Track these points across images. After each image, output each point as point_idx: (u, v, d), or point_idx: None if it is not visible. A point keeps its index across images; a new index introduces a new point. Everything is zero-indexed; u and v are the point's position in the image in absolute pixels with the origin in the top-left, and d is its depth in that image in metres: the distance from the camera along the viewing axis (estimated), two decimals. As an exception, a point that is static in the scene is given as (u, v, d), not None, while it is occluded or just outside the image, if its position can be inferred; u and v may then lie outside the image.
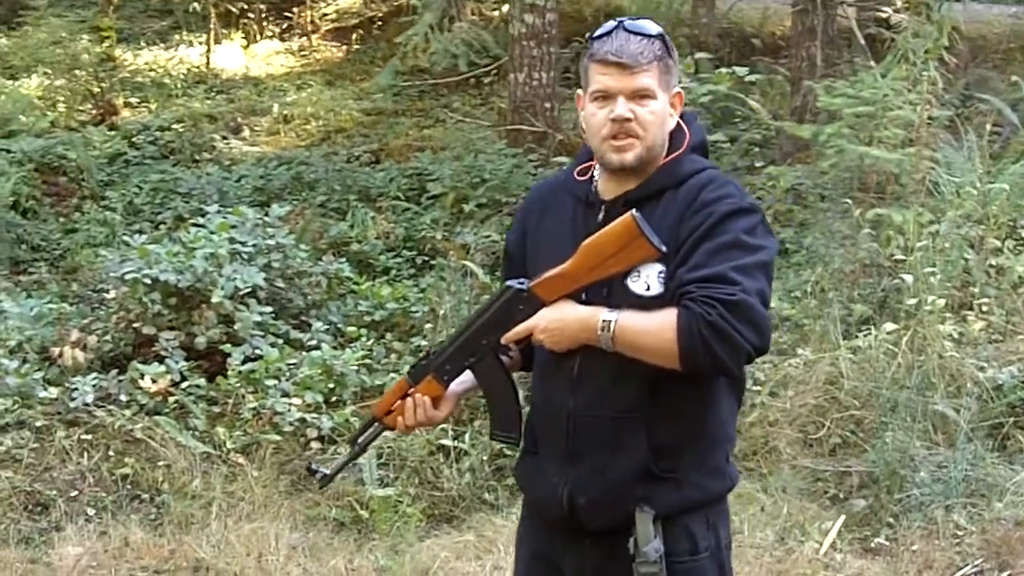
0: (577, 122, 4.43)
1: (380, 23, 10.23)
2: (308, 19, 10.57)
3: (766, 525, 4.54)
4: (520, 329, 2.22)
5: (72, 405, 5.22)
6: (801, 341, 5.11)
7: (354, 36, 10.48)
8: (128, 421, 5.20)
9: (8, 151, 7.59)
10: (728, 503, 2.41)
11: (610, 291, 2.19)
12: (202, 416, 5.33)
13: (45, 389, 5.31)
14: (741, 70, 6.89)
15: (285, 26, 10.50)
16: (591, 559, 2.31)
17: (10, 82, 9.00)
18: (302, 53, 10.08)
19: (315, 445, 5.31)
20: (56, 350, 5.58)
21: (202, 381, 5.43)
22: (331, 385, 5.49)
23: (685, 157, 2.26)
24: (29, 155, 7.54)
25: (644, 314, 2.13)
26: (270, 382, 5.39)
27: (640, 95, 2.19)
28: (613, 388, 2.24)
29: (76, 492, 4.94)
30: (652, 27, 2.23)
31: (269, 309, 5.71)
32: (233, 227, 5.84)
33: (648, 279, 2.19)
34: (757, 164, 6.94)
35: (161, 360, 5.48)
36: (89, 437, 5.14)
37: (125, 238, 5.74)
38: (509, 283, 2.23)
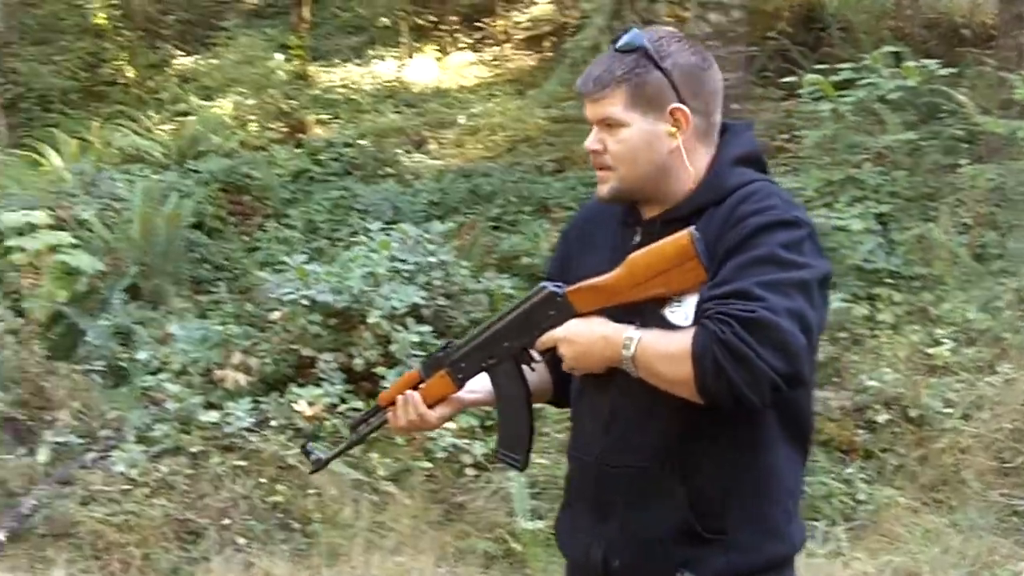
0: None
1: (574, 29, 10.32)
2: (501, 28, 10.80)
3: (952, 566, 4.27)
4: (545, 338, 2.10)
5: (227, 430, 5.55)
6: (1000, 357, 4.78)
7: (546, 43, 10.64)
8: (281, 446, 5.49)
9: (196, 171, 8.24)
10: (795, 570, 2.19)
11: (643, 321, 2.03)
12: (359, 442, 5.54)
13: (206, 413, 5.65)
14: (932, 63, 6.54)
15: (479, 37, 10.78)
16: None
17: (204, 103, 9.73)
18: (494, 63, 10.32)
19: (469, 472, 5.43)
20: (219, 373, 5.95)
21: (360, 404, 5.63)
22: (487, 408, 5.56)
23: (729, 170, 2.12)
24: (215, 175, 8.11)
25: (667, 334, 1.99)
26: (424, 407, 5.53)
27: (606, 124, 2.10)
28: (644, 430, 2.11)
29: (228, 521, 5.24)
30: (633, 40, 2.09)
31: (429, 328, 5.86)
32: (394, 244, 6.05)
33: (688, 310, 2.03)
34: (961, 162, 6.50)
35: (319, 383, 5.73)
36: (243, 463, 5.44)
37: (284, 258, 6.08)
38: (544, 284, 2.12)
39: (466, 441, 5.43)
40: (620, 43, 2.09)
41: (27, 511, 5.18)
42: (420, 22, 10.48)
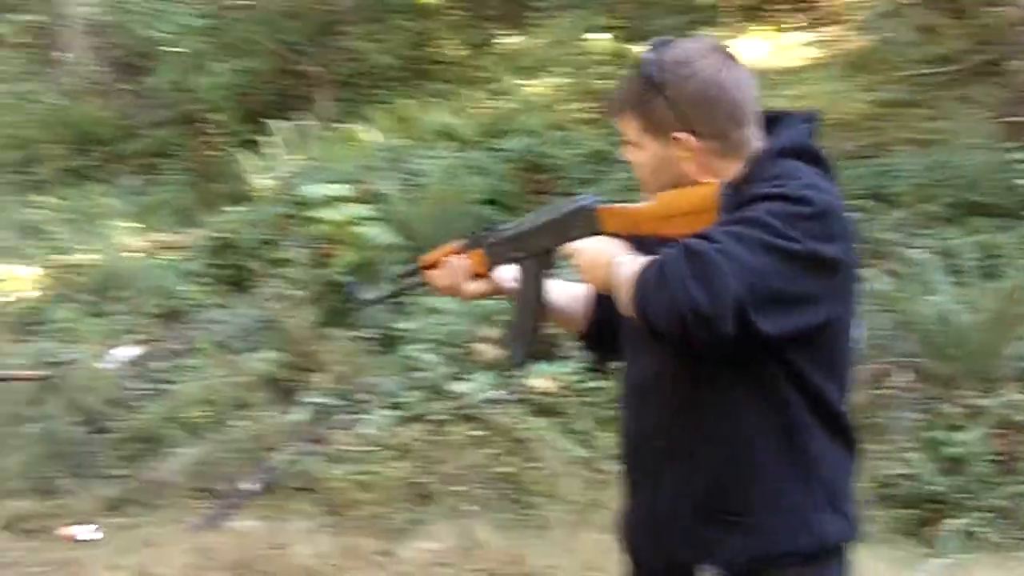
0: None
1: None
2: (839, 6, 10.31)
3: None
4: (566, 247, 2.22)
5: (468, 400, 5.98)
6: None
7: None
8: (516, 419, 5.83)
9: (500, 150, 8.68)
10: (831, 572, 2.17)
11: None
12: (590, 419, 5.77)
13: (454, 383, 6.10)
14: None
15: (816, 16, 10.36)
16: None
17: (521, 82, 10.15)
18: (828, 43, 9.88)
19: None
20: (474, 346, 6.38)
21: (603, 384, 5.84)
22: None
23: (769, 163, 2.13)
24: (516, 153, 8.52)
25: (636, 260, 2.04)
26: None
27: (626, 142, 2.21)
28: (666, 404, 2.18)
29: (459, 487, 5.66)
30: (643, 64, 2.17)
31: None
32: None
33: None
34: None
35: (565, 361, 6.00)
36: (481, 433, 5.84)
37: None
38: (581, 196, 2.24)
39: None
40: (636, 65, 2.18)
41: (279, 465, 5.87)
42: (749, 1, 10.32)
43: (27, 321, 8.18)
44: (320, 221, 7.33)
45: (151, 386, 6.71)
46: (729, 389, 2.07)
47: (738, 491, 2.09)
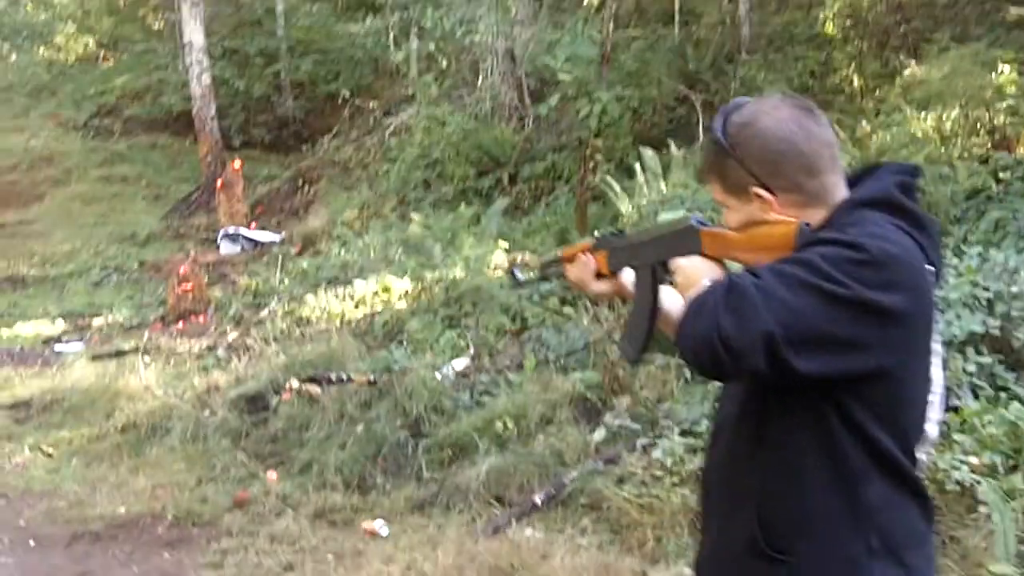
0: None
1: None
2: None
3: None
4: (672, 263, 2.41)
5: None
6: None
7: None
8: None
9: None
10: None
11: None
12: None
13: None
14: None
15: None
16: None
17: (909, 114, 9.73)
18: None
19: (982, 510, 5.27)
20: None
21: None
22: (1018, 446, 5.34)
23: (846, 213, 2.25)
24: None
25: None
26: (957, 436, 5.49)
27: (720, 204, 2.40)
28: (733, 444, 2.33)
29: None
30: (713, 129, 2.36)
31: (988, 359, 5.73)
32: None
33: None
34: None
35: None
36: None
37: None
38: (692, 216, 2.43)
39: (976, 477, 5.27)
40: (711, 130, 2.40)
41: (570, 481, 6.16)
42: None
43: (389, 330, 9.02)
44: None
45: (472, 397, 7.23)
46: (788, 433, 2.18)
47: (789, 532, 2.19)
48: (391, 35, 17.02)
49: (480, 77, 15.01)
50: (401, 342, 8.58)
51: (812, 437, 2.17)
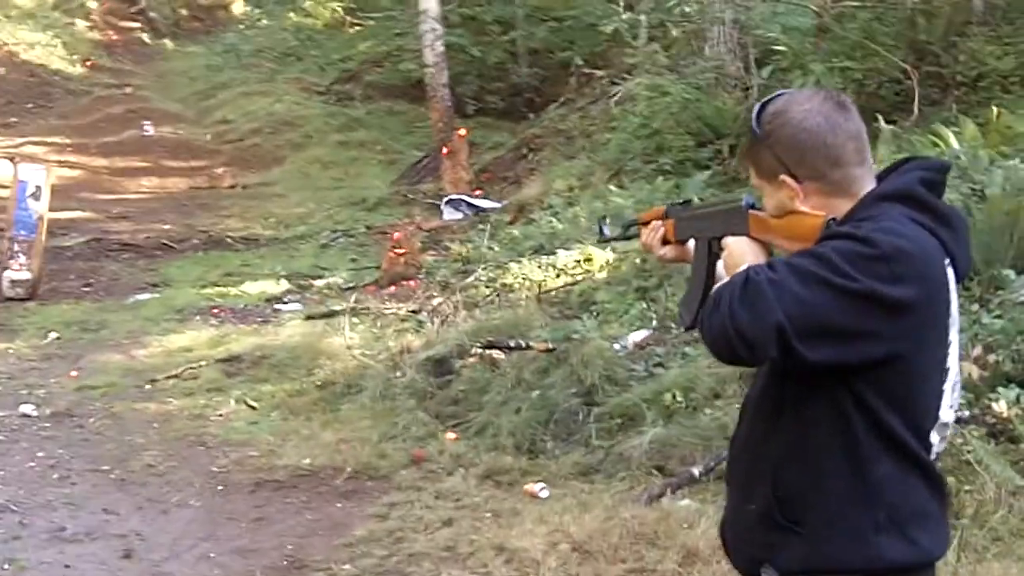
0: None
1: None
2: None
3: None
4: (723, 240, 2.65)
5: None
6: None
7: None
8: (966, 440, 5.88)
9: None
10: None
11: None
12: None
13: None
14: None
15: None
16: None
17: None
18: None
19: None
20: (962, 364, 6.43)
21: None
22: None
23: (867, 206, 2.44)
24: None
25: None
26: None
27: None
28: (754, 419, 2.57)
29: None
30: (751, 117, 2.58)
31: None
32: None
33: None
34: None
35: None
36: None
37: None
38: (745, 197, 2.65)
39: None
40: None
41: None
42: None
43: (584, 300, 9.37)
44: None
45: (645, 368, 7.50)
46: (802, 412, 2.43)
47: (802, 503, 2.43)
48: (622, 3, 17.22)
49: (706, 47, 15.11)
50: (594, 312, 8.91)
51: (825, 417, 2.39)
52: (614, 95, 16.26)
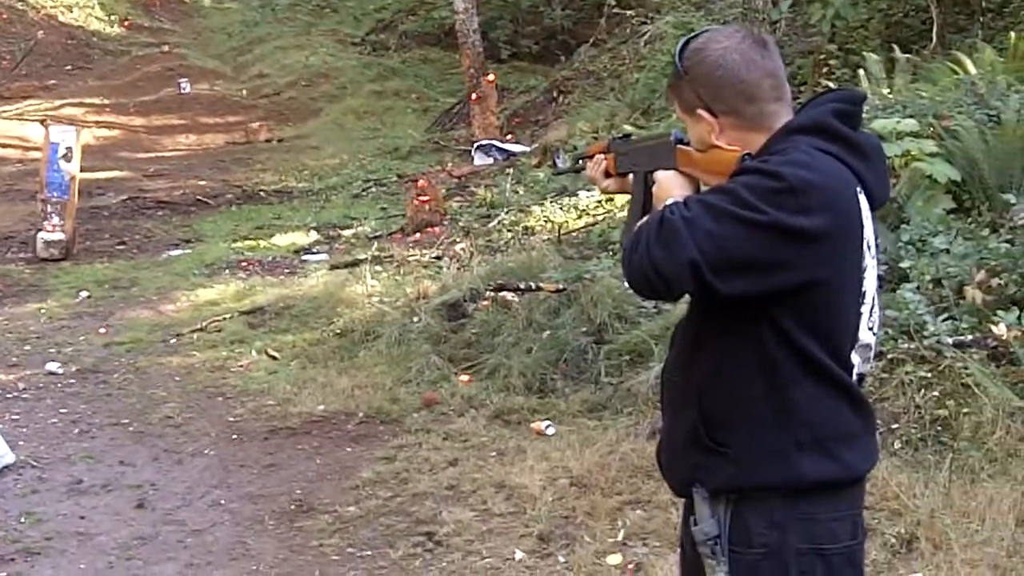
0: None
1: None
2: None
3: None
4: (655, 173, 2.73)
5: (927, 343, 6.10)
6: None
7: None
8: (967, 364, 5.88)
9: None
10: (819, 509, 2.49)
11: None
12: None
13: (934, 323, 6.22)
14: None
15: None
16: (684, 522, 2.69)
17: None
18: None
19: None
20: (967, 289, 6.42)
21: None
22: None
23: (779, 140, 2.51)
24: None
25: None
26: None
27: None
28: (680, 346, 2.65)
29: (895, 425, 5.89)
30: (676, 51, 2.65)
31: None
32: None
33: None
34: None
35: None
36: (928, 375, 5.97)
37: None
38: (674, 132, 2.74)
39: None
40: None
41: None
42: None
43: (604, 240, 9.42)
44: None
45: (654, 305, 7.53)
46: (724, 336, 2.50)
47: (726, 425, 2.50)
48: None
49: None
50: (611, 251, 8.94)
51: (743, 344, 2.47)
52: (643, 34, 16.21)
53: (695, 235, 2.31)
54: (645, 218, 2.51)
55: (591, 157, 3.07)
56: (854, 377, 2.55)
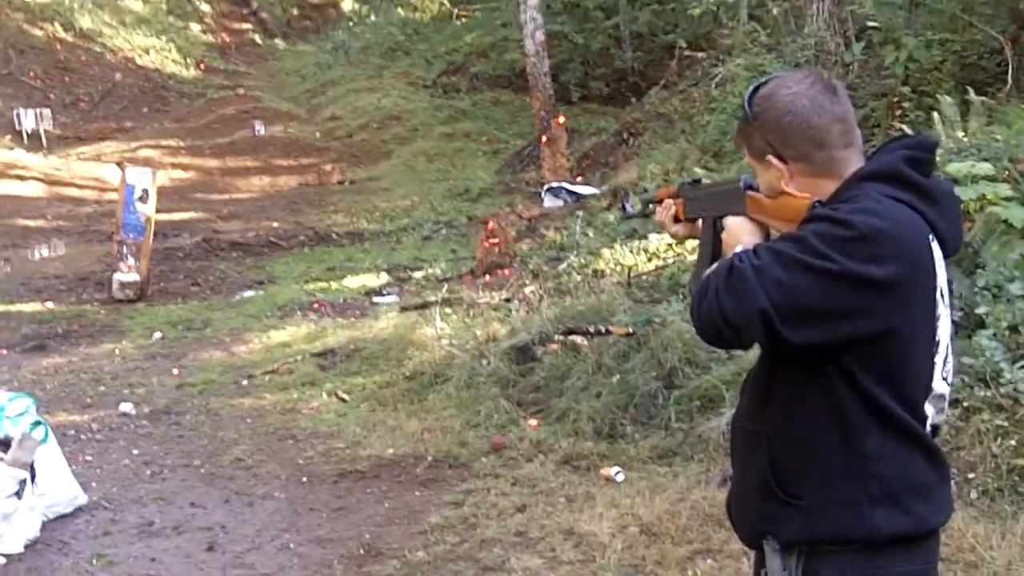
0: None
1: None
2: None
3: None
4: (724, 220, 2.75)
5: (1003, 390, 6.00)
6: None
7: None
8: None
9: None
10: (893, 562, 2.48)
11: None
12: None
13: (1011, 370, 6.12)
14: None
15: None
16: (755, 574, 2.70)
17: None
18: None
19: None
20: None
21: None
22: None
23: (851, 187, 2.50)
24: None
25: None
26: None
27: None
28: (751, 394, 2.65)
29: (972, 475, 5.80)
30: (745, 98, 2.64)
31: None
32: None
33: None
34: None
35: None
36: (1005, 424, 5.87)
37: None
38: (744, 177, 2.75)
39: None
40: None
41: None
42: None
43: (674, 284, 9.37)
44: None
45: (726, 351, 7.48)
46: (796, 386, 2.49)
47: (797, 477, 2.50)
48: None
49: (805, 24, 14.94)
50: (682, 295, 8.90)
51: (814, 393, 2.45)
52: (714, 77, 16.18)
53: (765, 283, 2.31)
54: (713, 266, 2.51)
55: (660, 202, 3.07)
56: (928, 428, 2.52)
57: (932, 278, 2.47)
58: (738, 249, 2.51)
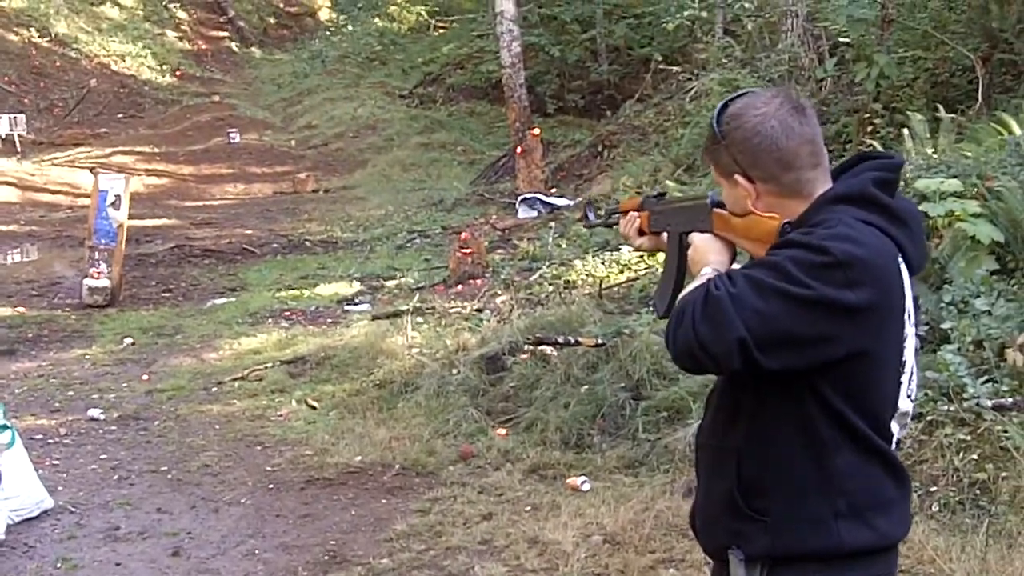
0: None
1: None
2: None
3: None
4: (690, 236, 2.75)
5: (967, 404, 6.06)
6: None
7: None
8: (1008, 428, 5.84)
9: None
10: (854, 574, 2.51)
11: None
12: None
13: (974, 385, 6.18)
14: None
15: None
16: None
17: None
18: None
19: None
20: (1008, 352, 6.38)
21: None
22: None
23: (819, 209, 2.51)
24: None
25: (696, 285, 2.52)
26: None
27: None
28: (716, 411, 2.66)
29: (933, 488, 5.85)
30: (713, 116, 2.62)
31: None
32: None
33: None
34: None
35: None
36: (968, 439, 5.92)
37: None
38: (710, 194, 2.73)
39: None
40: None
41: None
42: None
43: (645, 296, 9.43)
44: (925, 216, 7.61)
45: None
46: (764, 404, 2.51)
47: (764, 493, 2.52)
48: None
49: (780, 40, 15.07)
50: (652, 307, 8.93)
51: (784, 412, 2.47)
52: (689, 91, 16.28)
53: (742, 312, 2.32)
54: (688, 289, 2.51)
55: (624, 213, 3.07)
56: (893, 444, 2.57)
57: (902, 300, 2.50)
58: (708, 271, 2.54)
